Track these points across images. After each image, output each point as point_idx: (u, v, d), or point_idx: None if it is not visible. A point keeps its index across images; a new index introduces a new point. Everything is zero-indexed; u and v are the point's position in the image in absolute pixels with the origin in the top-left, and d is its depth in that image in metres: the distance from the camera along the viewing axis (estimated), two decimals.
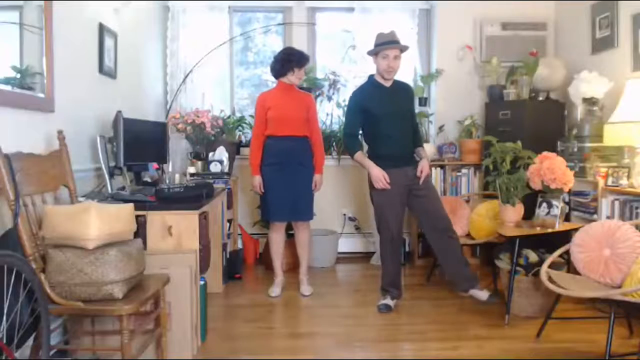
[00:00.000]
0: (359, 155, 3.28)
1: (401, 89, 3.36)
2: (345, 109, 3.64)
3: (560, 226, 3.13)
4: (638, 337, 2.79)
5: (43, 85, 2.48)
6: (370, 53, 3.29)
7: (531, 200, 3.32)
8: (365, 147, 3.39)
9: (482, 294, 3.21)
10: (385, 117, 3.22)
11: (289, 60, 3.51)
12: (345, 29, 4.81)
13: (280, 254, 3.74)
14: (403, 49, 3.25)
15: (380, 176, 3.17)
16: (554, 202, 3.17)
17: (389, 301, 3.30)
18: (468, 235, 3.83)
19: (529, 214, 3.33)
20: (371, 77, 3.36)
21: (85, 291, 2.00)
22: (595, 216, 3.38)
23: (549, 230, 3.10)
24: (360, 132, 3.37)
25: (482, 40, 4.65)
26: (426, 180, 3.27)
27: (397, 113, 3.25)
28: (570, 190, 3.31)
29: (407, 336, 2.92)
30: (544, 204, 3.24)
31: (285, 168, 3.51)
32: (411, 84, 4.31)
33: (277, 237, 3.69)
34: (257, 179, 3.54)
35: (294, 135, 3.51)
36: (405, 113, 3.30)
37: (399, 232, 3.30)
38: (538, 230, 3.12)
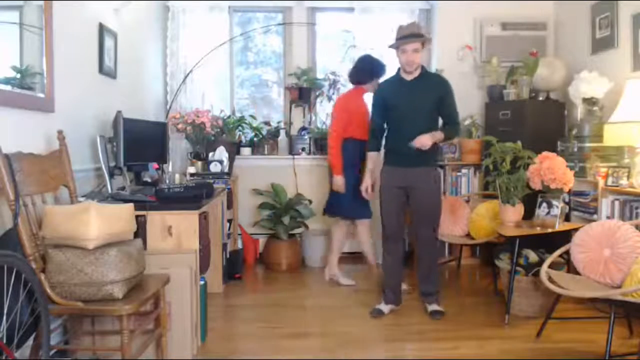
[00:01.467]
0: (369, 157, 3.36)
1: (428, 82, 3.18)
2: None
3: (560, 226, 3.13)
4: (638, 337, 2.79)
5: (43, 85, 2.48)
6: (391, 47, 3.19)
7: (530, 200, 3.32)
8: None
9: (438, 307, 3.22)
10: (397, 112, 3.14)
11: (381, 69, 3.69)
12: (345, 29, 4.81)
13: None
14: (423, 41, 3.12)
15: (364, 187, 3.37)
16: (554, 202, 3.17)
17: (382, 306, 3.24)
18: (468, 235, 3.82)
19: (528, 214, 3.33)
20: (398, 69, 3.25)
21: (85, 291, 2.00)
22: (595, 216, 3.38)
23: (549, 230, 3.10)
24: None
25: (482, 40, 4.65)
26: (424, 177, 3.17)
27: (411, 108, 3.12)
28: (570, 190, 3.31)
29: (407, 336, 2.92)
30: (544, 204, 3.24)
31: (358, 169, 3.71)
32: None
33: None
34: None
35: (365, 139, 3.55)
36: (422, 108, 3.12)
37: (395, 233, 3.23)
38: (538, 230, 3.12)
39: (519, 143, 3.36)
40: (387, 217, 3.22)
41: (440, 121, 3.25)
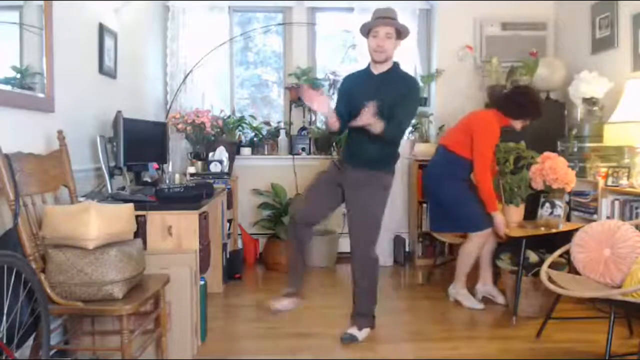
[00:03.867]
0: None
1: (394, 79, 2.82)
2: None
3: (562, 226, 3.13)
4: (638, 337, 2.79)
5: (43, 85, 2.47)
6: (362, 32, 2.86)
7: (528, 200, 3.32)
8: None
9: (355, 332, 2.84)
10: (359, 108, 2.62)
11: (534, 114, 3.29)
12: (345, 29, 4.81)
13: None
14: (400, 29, 2.78)
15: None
16: (557, 202, 3.17)
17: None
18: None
19: (527, 214, 3.34)
20: (369, 63, 2.93)
21: (85, 291, 2.00)
22: (595, 216, 3.38)
23: (554, 230, 3.09)
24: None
25: (482, 40, 4.65)
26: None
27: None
28: (570, 190, 3.31)
29: (407, 336, 2.92)
30: (547, 204, 3.24)
31: None
32: None
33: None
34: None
35: None
36: (385, 107, 2.66)
37: (307, 218, 2.87)
38: (542, 230, 3.11)
39: (523, 143, 3.36)
40: (308, 202, 2.90)
41: None
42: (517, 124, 3.31)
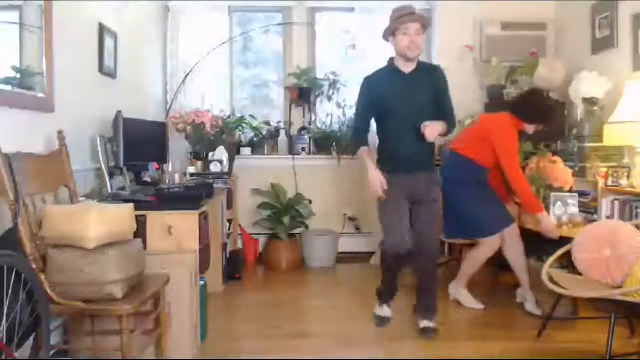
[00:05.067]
0: (362, 151, 2.86)
1: (425, 74, 2.82)
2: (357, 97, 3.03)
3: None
4: (639, 337, 2.79)
5: (43, 85, 2.47)
6: (386, 34, 2.78)
7: None
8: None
9: (427, 324, 2.89)
10: (398, 111, 2.73)
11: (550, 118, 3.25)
12: (345, 29, 4.81)
13: None
14: (425, 24, 2.75)
15: (376, 181, 2.74)
16: (570, 201, 3.18)
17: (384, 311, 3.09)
18: None
19: None
20: (390, 60, 2.86)
21: (85, 291, 2.00)
22: (595, 216, 3.37)
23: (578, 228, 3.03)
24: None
25: (482, 40, 4.65)
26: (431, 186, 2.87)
27: (414, 106, 2.75)
28: (570, 189, 3.32)
29: (408, 336, 2.92)
30: (559, 203, 3.23)
31: None
32: None
33: None
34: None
35: None
36: (425, 105, 2.76)
37: (402, 245, 2.77)
38: (570, 228, 3.09)
39: (530, 144, 3.38)
40: (397, 224, 2.79)
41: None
42: (531, 129, 3.23)
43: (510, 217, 3.22)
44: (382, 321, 3.06)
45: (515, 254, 3.18)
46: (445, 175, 3.30)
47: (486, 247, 3.23)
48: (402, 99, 2.74)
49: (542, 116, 3.19)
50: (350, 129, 2.85)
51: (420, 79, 2.80)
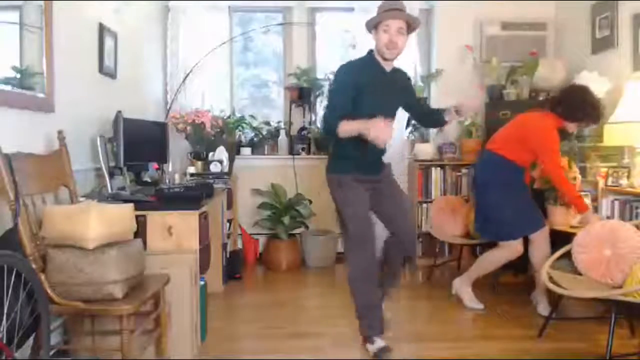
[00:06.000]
0: (343, 124, 2.41)
1: (401, 78, 2.75)
2: (333, 85, 2.79)
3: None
4: (639, 337, 2.79)
5: (43, 85, 2.47)
6: (369, 25, 2.59)
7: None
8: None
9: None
10: (373, 109, 2.43)
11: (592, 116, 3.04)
12: (345, 29, 4.81)
13: None
14: (411, 22, 2.54)
15: (379, 122, 2.30)
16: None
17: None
18: (468, 235, 3.83)
19: None
20: (370, 52, 2.65)
21: (85, 291, 2.00)
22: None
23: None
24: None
25: (482, 40, 4.65)
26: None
27: (388, 107, 2.59)
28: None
29: (407, 336, 2.92)
30: None
31: None
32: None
33: None
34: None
35: None
36: (396, 109, 2.72)
37: (370, 224, 2.64)
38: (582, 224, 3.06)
39: None
40: (364, 216, 2.64)
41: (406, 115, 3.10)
42: (573, 127, 3.09)
43: (540, 221, 3.14)
44: (382, 352, 2.60)
45: (540, 257, 3.07)
46: (478, 174, 3.27)
47: (505, 251, 3.17)
48: (380, 95, 2.55)
49: (586, 114, 3.01)
50: (329, 118, 2.50)
51: (399, 81, 2.72)
